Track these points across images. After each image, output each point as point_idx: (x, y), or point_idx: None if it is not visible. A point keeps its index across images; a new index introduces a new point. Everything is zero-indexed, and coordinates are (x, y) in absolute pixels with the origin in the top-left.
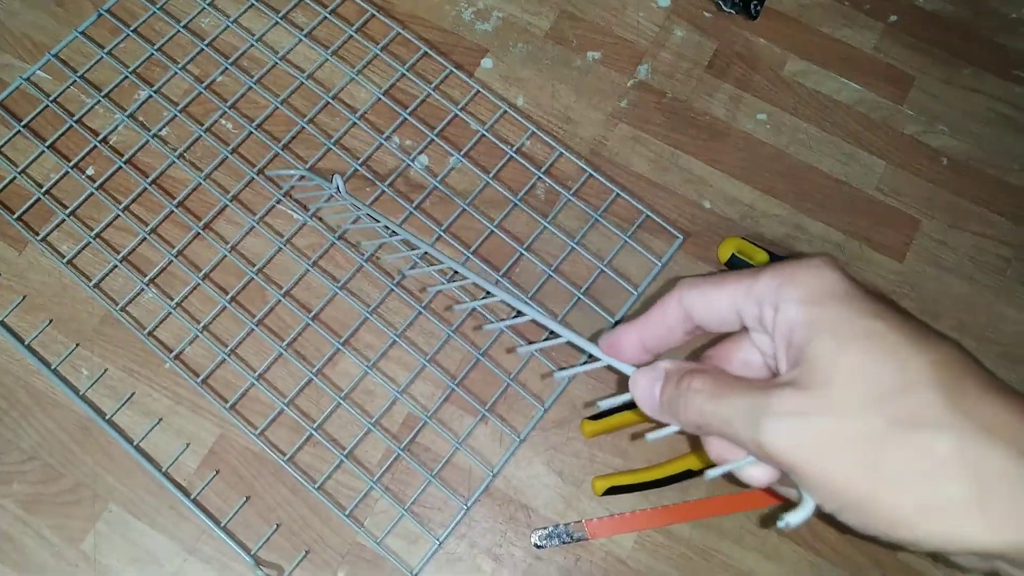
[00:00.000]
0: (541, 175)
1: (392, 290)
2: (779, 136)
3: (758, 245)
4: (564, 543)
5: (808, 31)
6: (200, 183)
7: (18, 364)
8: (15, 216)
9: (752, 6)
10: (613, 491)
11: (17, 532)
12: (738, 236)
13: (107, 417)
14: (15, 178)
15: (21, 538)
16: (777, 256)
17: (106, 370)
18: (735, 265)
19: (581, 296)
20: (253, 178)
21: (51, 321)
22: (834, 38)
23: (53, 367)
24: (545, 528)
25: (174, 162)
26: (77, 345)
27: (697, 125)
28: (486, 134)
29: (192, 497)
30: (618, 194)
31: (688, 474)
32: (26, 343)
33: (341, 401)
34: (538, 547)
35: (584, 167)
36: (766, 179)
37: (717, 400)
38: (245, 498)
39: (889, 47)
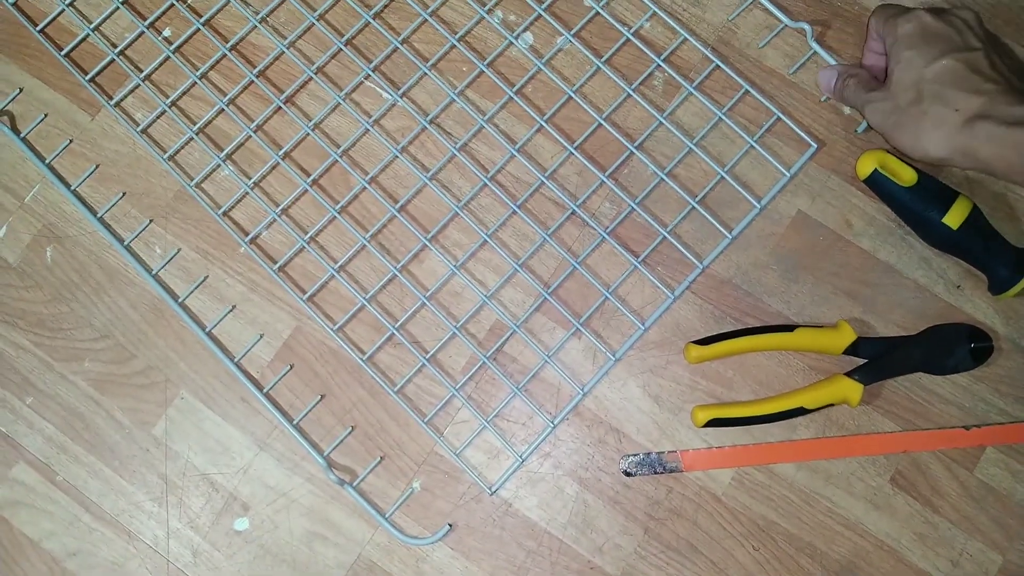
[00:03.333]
0: (660, 62)
1: (485, 184)
2: None
3: (903, 160)
4: (656, 472)
5: None
6: (283, 51)
7: (90, 238)
8: (88, 77)
9: None
10: (715, 423)
11: (89, 411)
12: (881, 149)
13: (180, 300)
14: (88, 35)
15: (93, 417)
16: (925, 173)
17: (179, 250)
18: (876, 183)
19: (695, 205)
20: (340, 48)
21: (124, 194)
22: None
23: (126, 243)
24: (636, 455)
25: (256, 26)
26: (151, 221)
27: (843, 16)
28: (600, 11)
29: (264, 391)
30: (747, 90)
31: (800, 411)
32: (99, 216)
33: (426, 301)
34: (627, 474)
35: (710, 56)
36: None
37: (858, 91)
38: (319, 396)
39: None
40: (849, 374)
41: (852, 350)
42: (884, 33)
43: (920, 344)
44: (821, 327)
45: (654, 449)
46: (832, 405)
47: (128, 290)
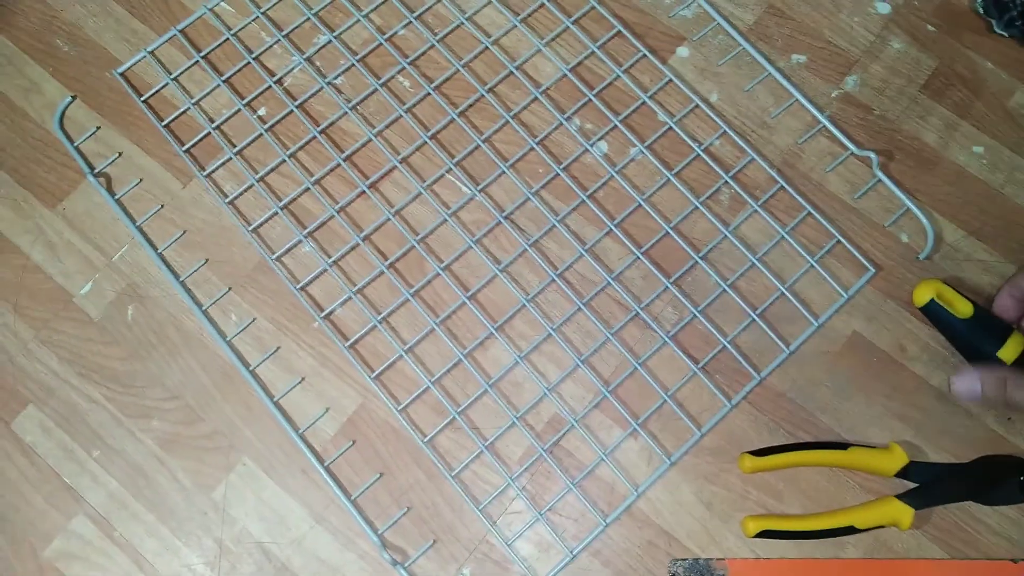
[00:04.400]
0: (728, 179)
1: (553, 280)
2: (995, 174)
3: (960, 292)
4: None
5: None
6: (371, 139)
7: (171, 300)
8: (184, 148)
9: None
10: (766, 535)
11: (152, 469)
12: (937, 279)
13: (251, 368)
14: (188, 109)
15: (156, 476)
16: (982, 307)
17: (255, 319)
18: (932, 312)
19: (755, 318)
20: (425, 141)
21: (207, 261)
22: None
23: (204, 308)
24: (685, 560)
25: (346, 113)
26: (229, 289)
27: (904, 149)
28: (674, 127)
29: (326, 465)
30: (810, 212)
31: (850, 530)
32: (181, 279)
33: (488, 388)
34: None
35: (776, 177)
36: (975, 219)
37: None
38: (378, 474)
39: None
40: (900, 497)
41: (903, 473)
42: None
43: (971, 473)
44: (873, 447)
45: (702, 555)
46: (882, 527)
47: (201, 354)
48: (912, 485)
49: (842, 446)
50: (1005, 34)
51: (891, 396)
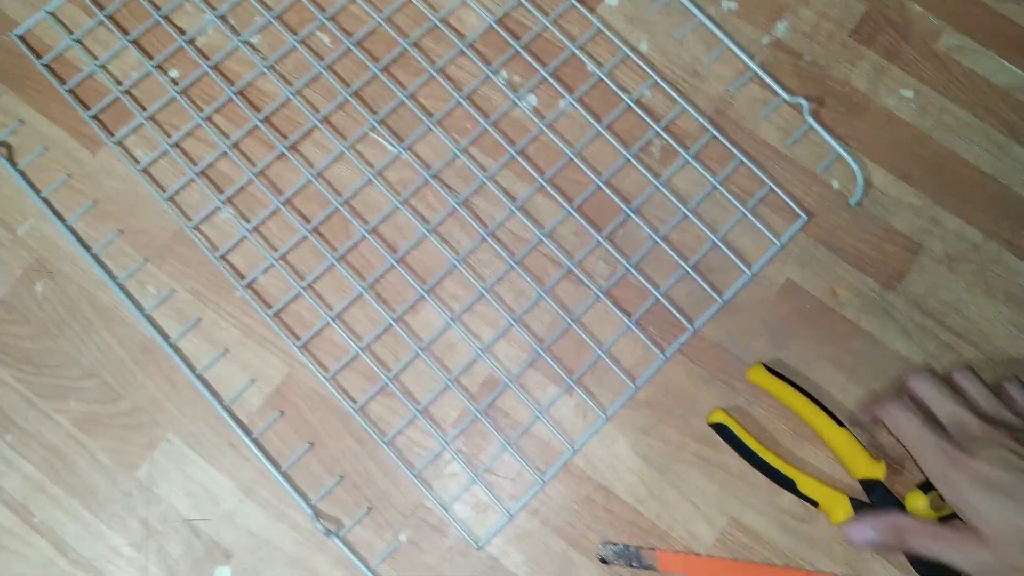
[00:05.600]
0: (659, 130)
1: (484, 239)
2: (924, 117)
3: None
4: (631, 567)
5: (970, 2)
6: (289, 98)
7: (83, 274)
8: (91, 113)
9: None
10: (721, 431)
11: (71, 451)
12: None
13: (171, 341)
14: (94, 72)
15: (74, 457)
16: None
17: (174, 291)
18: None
19: (688, 269)
20: (346, 99)
21: (121, 232)
22: (998, 13)
23: (119, 281)
24: (616, 545)
25: (263, 72)
26: (146, 260)
27: (834, 95)
28: (603, 78)
29: (253, 437)
30: (742, 161)
31: (789, 484)
32: (93, 252)
33: (420, 352)
34: (604, 561)
35: (707, 126)
36: (904, 163)
37: (935, 541)
38: (308, 444)
39: None
40: (852, 499)
41: (868, 486)
42: (936, 451)
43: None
44: (866, 450)
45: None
46: (817, 505)
47: (119, 329)
48: (864, 500)
49: (840, 423)
50: None
51: (824, 342)
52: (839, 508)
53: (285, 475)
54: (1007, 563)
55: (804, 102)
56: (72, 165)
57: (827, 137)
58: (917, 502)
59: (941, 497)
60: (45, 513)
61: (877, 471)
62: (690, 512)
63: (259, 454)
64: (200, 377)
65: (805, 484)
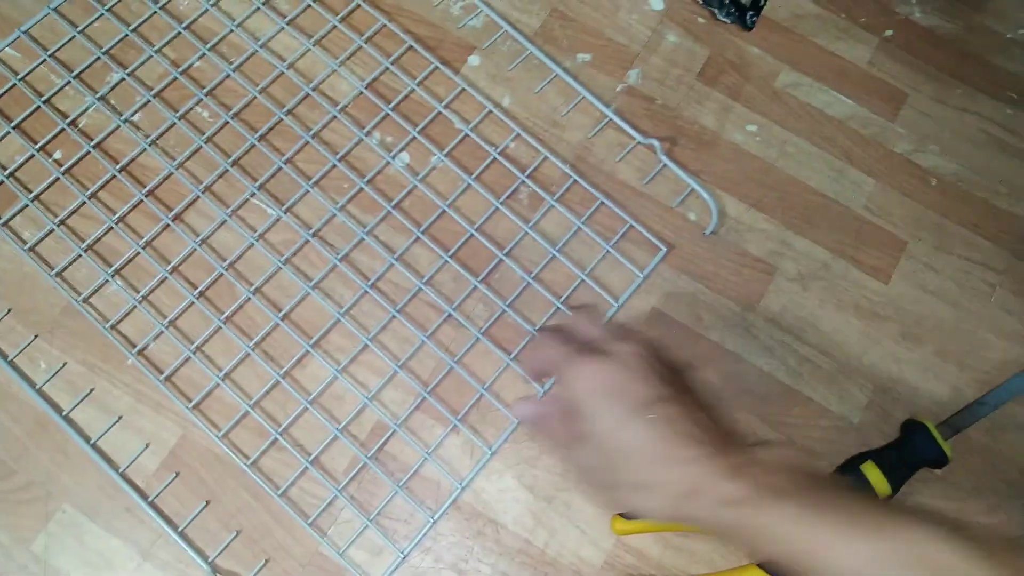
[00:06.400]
0: (525, 179)
1: (366, 292)
2: (768, 149)
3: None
4: None
5: (802, 42)
6: (172, 172)
7: None
8: None
9: (748, 17)
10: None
11: None
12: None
13: (64, 413)
14: None
15: None
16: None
17: (65, 364)
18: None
19: (560, 306)
20: (227, 169)
21: (9, 310)
22: (828, 51)
23: (9, 359)
24: None
25: (145, 149)
26: (36, 336)
27: (686, 134)
28: (470, 133)
29: (150, 500)
30: (602, 202)
31: None
32: None
33: (308, 405)
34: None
35: (569, 172)
36: (754, 192)
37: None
38: (204, 503)
39: (883, 62)
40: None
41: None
42: (553, 376)
43: None
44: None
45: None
46: None
47: (10, 405)
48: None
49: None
50: (727, 21)
51: (692, 364)
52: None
53: (182, 535)
54: (601, 461)
55: (656, 143)
56: None
57: (681, 173)
58: (872, 472)
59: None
60: None
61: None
62: (578, 537)
63: (155, 516)
64: (94, 446)
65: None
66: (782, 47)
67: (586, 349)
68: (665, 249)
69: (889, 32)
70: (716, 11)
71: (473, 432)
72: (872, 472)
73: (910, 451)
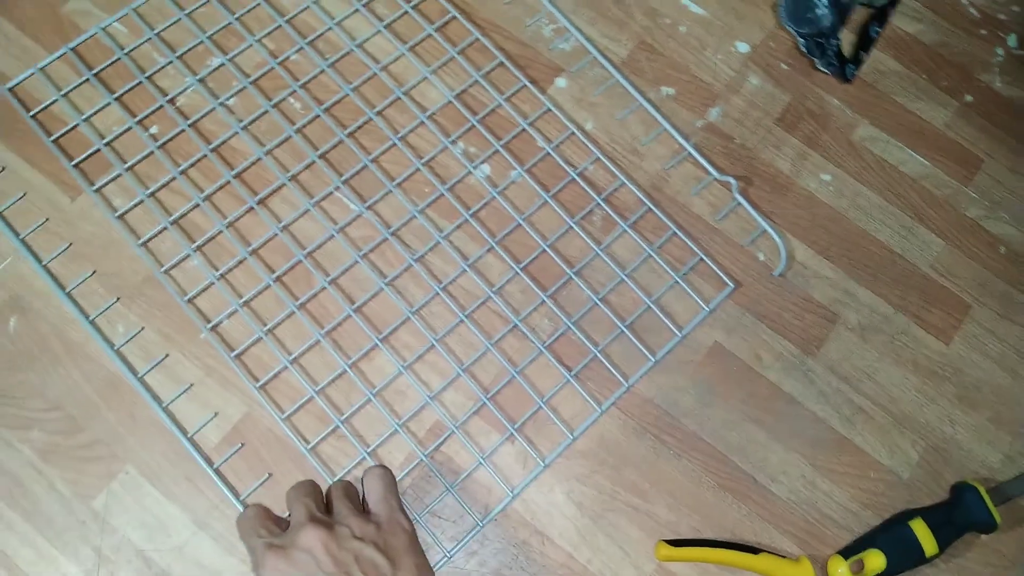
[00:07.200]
0: (600, 201)
1: (437, 294)
2: (840, 199)
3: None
4: None
5: (882, 99)
6: (260, 158)
7: (55, 311)
8: (73, 163)
9: (847, 68)
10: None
11: (29, 479)
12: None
13: (140, 375)
14: (78, 125)
15: (32, 486)
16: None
17: (142, 329)
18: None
19: (624, 329)
20: (314, 161)
21: (94, 272)
22: (908, 109)
23: (91, 318)
24: None
25: (237, 132)
26: (117, 299)
27: (760, 175)
28: (551, 152)
29: (215, 467)
30: (674, 232)
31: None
32: (67, 290)
33: (372, 397)
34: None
35: (644, 200)
36: (822, 240)
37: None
38: (268, 474)
39: (961, 126)
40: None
41: None
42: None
43: None
44: (783, 557)
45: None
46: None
47: (85, 364)
48: None
49: (754, 550)
50: (827, 72)
51: (747, 401)
52: (800, 572)
53: (244, 504)
54: None
55: (733, 181)
56: (51, 210)
57: (754, 213)
58: (837, 567)
59: (861, 563)
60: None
61: (807, 571)
62: (620, 558)
63: (219, 482)
64: (166, 410)
65: (762, 563)
66: (862, 101)
67: (278, 543)
68: (733, 286)
69: (969, 98)
70: (817, 60)
71: (528, 443)
72: (920, 528)
73: (960, 512)
